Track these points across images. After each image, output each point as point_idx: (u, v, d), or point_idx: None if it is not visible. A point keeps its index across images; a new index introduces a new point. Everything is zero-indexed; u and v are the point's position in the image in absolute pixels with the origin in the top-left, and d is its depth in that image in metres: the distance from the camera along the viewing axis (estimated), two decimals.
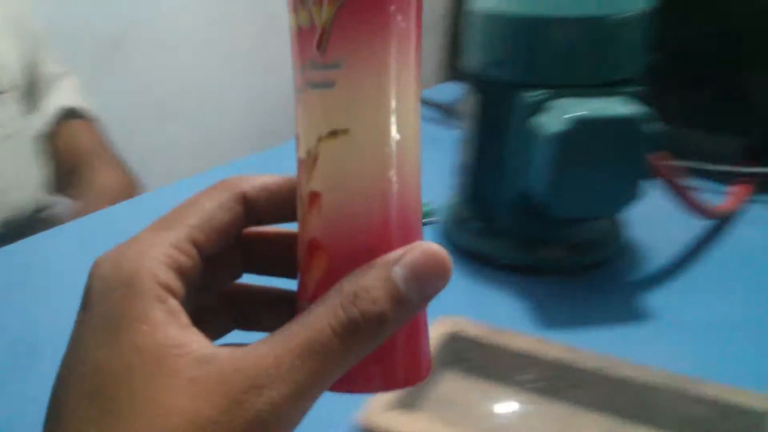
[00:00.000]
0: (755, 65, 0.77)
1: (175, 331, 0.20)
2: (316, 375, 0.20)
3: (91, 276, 0.22)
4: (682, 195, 0.61)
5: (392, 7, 0.21)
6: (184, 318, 0.21)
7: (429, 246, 0.21)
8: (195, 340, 0.20)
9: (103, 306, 0.21)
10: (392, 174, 0.22)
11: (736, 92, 0.78)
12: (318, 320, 0.20)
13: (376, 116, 0.21)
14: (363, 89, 0.21)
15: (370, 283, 0.21)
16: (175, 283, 0.22)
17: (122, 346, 0.20)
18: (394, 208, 0.22)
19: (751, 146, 0.77)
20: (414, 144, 0.22)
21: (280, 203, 0.26)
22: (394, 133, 0.21)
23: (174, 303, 0.21)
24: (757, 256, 0.64)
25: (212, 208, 0.24)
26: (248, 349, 0.20)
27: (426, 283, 0.21)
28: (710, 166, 0.74)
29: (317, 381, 0.20)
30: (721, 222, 0.67)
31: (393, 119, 0.21)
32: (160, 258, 0.22)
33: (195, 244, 0.23)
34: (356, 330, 0.20)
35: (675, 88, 0.78)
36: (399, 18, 0.21)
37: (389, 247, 0.22)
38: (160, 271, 0.21)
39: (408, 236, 0.22)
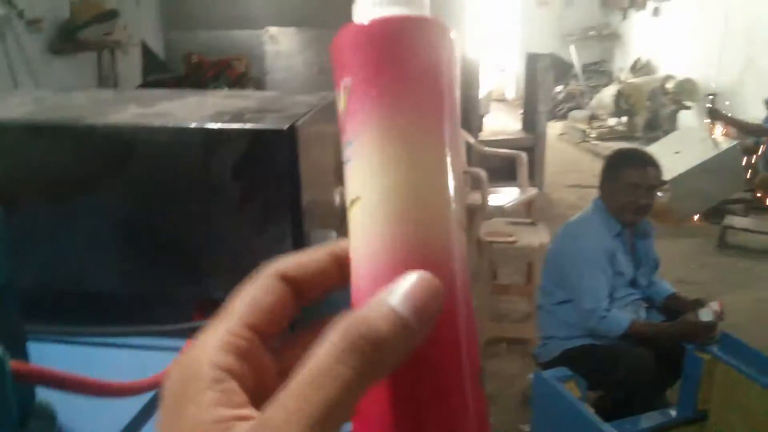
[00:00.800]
0: (174, 227, 0.78)
1: (223, 411, 0.22)
2: (327, 405, 0.21)
3: (168, 373, 0.25)
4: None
5: (388, 100, 0.25)
6: (238, 397, 0.23)
7: (420, 272, 0.24)
8: (244, 415, 0.22)
9: (169, 392, 0.24)
10: (400, 233, 0.25)
11: (170, 252, 0.79)
12: (319, 353, 0.22)
13: (381, 185, 0.25)
14: (368, 163, 0.25)
15: (368, 310, 0.23)
16: (235, 364, 0.24)
17: (181, 427, 0.22)
18: (404, 261, 0.25)
19: (199, 301, 0.80)
20: (419, 204, 0.25)
21: (318, 275, 0.28)
22: (399, 199, 0.25)
23: (231, 384, 0.23)
24: None
25: (257, 294, 0.27)
26: (267, 406, 0.22)
27: (420, 304, 0.23)
28: (167, 327, 0.75)
29: (330, 411, 0.21)
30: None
31: (395, 187, 0.25)
32: (217, 344, 0.24)
33: (250, 327, 0.26)
34: (358, 353, 0.22)
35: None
36: (395, 108, 0.25)
37: None
38: (217, 355, 0.24)
39: None
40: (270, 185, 0.76)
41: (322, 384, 0.21)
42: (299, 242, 0.76)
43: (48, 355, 0.73)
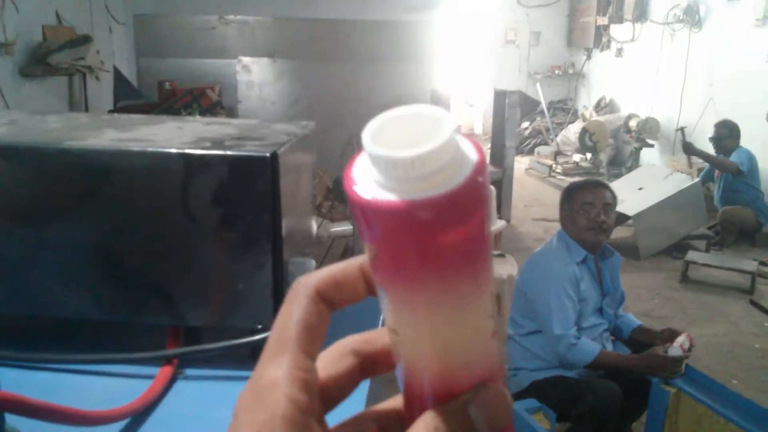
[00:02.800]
0: (149, 253, 0.79)
1: None
2: None
3: (237, 406, 0.26)
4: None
5: (410, 265, 0.25)
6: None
7: (497, 387, 0.27)
8: None
9: (244, 425, 0.25)
10: (436, 365, 0.27)
11: (145, 279, 0.80)
12: None
13: (413, 325, 0.26)
14: (401, 307, 0.26)
15: (448, 418, 0.26)
16: (304, 398, 0.25)
17: None
18: (446, 384, 0.27)
19: (172, 328, 0.81)
20: (452, 341, 0.27)
21: (350, 291, 0.29)
22: (432, 336, 0.26)
23: (300, 420, 0.25)
24: (190, 427, 0.69)
25: (311, 319, 0.27)
26: None
27: (494, 416, 0.26)
28: (135, 355, 0.76)
29: None
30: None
31: (426, 327, 0.26)
32: (290, 379, 0.25)
33: (309, 356, 0.27)
34: None
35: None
36: (417, 267, 0.25)
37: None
38: (293, 391, 0.25)
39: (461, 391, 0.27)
40: (250, 212, 0.76)
41: None
42: (278, 270, 0.76)
43: (18, 381, 0.71)
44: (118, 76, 5.09)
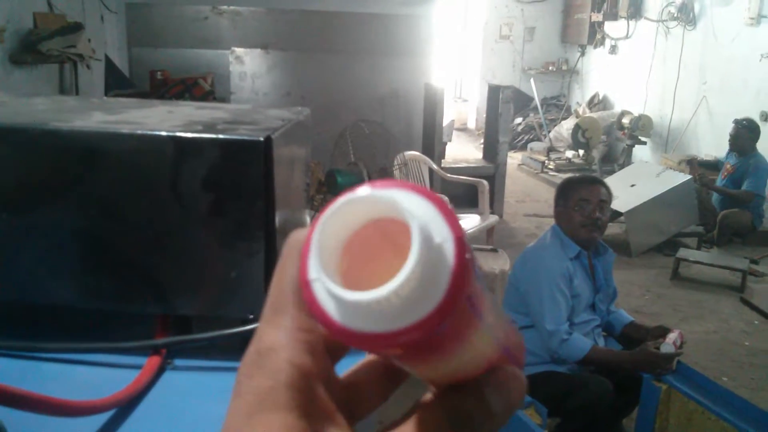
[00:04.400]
0: (138, 240, 0.77)
1: (293, 419, 0.23)
2: None
3: (239, 372, 0.24)
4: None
5: (404, 362, 0.25)
6: (322, 401, 0.24)
7: (511, 369, 0.27)
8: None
9: (248, 388, 0.23)
10: (447, 379, 0.26)
11: (133, 266, 0.78)
12: (426, 424, 0.25)
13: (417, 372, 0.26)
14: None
15: (464, 399, 0.25)
16: (307, 360, 0.24)
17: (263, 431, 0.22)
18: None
19: (160, 316, 0.78)
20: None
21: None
22: (438, 373, 0.26)
23: (303, 384, 0.23)
24: (176, 421, 0.67)
25: (300, 273, 0.25)
26: None
27: (508, 397, 0.26)
28: (122, 344, 0.74)
29: None
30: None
31: (430, 373, 0.26)
32: (292, 340, 0.24)
33: (309, 314, 0.25)
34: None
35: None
36: (411, 361, 0.24)
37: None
38: (295, 355, 0.24)
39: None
40: (243, 198, 0.73)
41: None
42: (271, 259, 0.74)
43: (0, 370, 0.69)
44: (110, 65, 5.04)
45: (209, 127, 0.75)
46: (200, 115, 0.85)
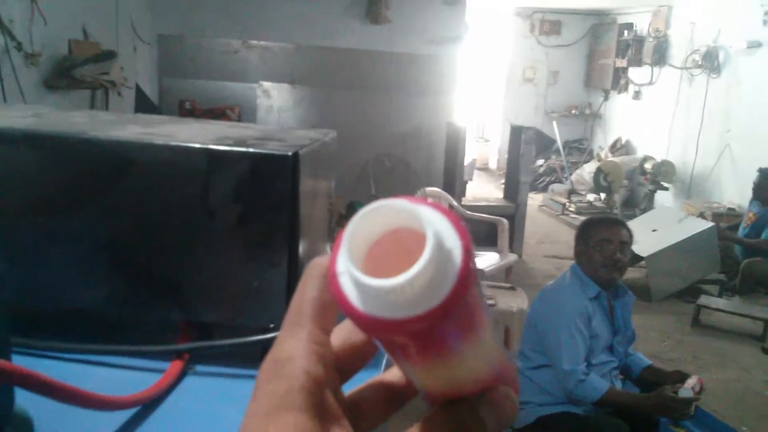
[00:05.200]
0: (165, 248, 0.79)
1: (306, 420, 0.25)
2: None
3: (258, 378, 0.27)
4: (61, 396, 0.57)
5: (410, 356, 0.27)
6: (331, 406, 0.27)
7: (505, 389, 0.30)
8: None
9: (263, 392, 0.26)
10: (446, 390, 0.29)
11: (159, 273, 0.80)
12: None
13: (417, 377, 0.29)
14: (405, 370, 0.30)
15: (459, 414, 0.28)
16: (319, 370, 0.26)
17: (278, 430, 0.25)
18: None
19: (183, 323, 0.80)
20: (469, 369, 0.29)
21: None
22: (437, 379, 0.28)
23: (315, 390, 0.26)
24: (195, 425, 0.68)
25: (323, 295, 0.28)
26: None
27: (501, 415, 0.29)
28: (146, 348, 0.76)
29: None
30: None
31: (430, 377, 0.28)
32: (306, 352, 0.27)
33: (323, 329, 0.28)
34: None
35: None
36: (416, 356, 0.27)
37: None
38: (309, 364, 0.26)
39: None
40: (269, 211, 0.76)
41: None
42: (293, 270, 0.76)
43: (28, 368, 0.71)
44: (140, 94, 5.17)
45: (240, 142, 0.78)
46: (231, 132, 0.88)
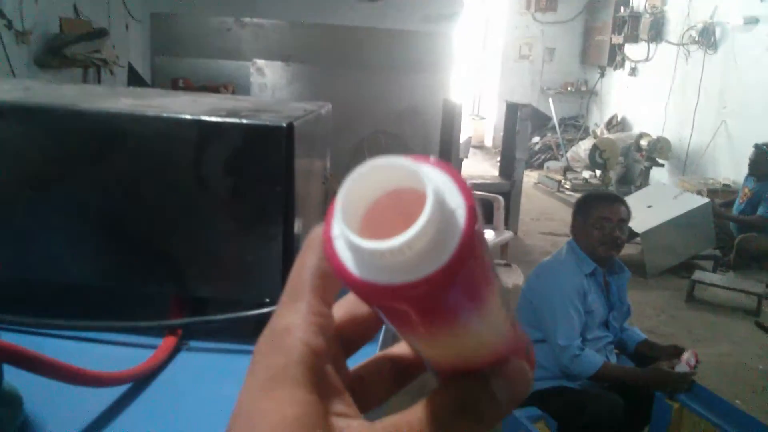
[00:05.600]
0: (158, 221, 0.78)
1: (304, 393, 0.24)
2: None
3: (254, 351, 0.26)
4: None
5: (413, 326, 0.25)
6: (335, 384, 0.25)
7: (518, 362, 0.28)
8: (340, 412, 0.25)
9: (261, 365, 0.25)
10: (455, 362, 0.27)
11: (152, 247, 0.78)
12: (433, 408, 0.25)
13: (424, 349, 0.27)
14: (411, 343, 0.28)
15: (472, 389, 0.26)
16: (319, 342, 0.25)
17: (275, 403, 0.24)
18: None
19: (176, 297, 0.79)
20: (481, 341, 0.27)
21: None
22: (446, 351, 0.27)
23: (314, 362, 0.25)
24: (188, 401, 0.67)
25: (319, 264, 0.27)
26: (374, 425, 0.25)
27: (514, 389, 0.27)
28: (139, 323, 0.75)
29: None
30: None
31: (438, 349, 0.27)
32: (305, 323, 0.25)
33: (324, 301, 0.27)
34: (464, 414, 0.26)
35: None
36: (420, 326, 0.25)
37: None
38: (308, 336, 0.25)
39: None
40: (263, 183, 0.74)
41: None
42: (289, 244, 0.75)
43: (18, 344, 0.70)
44: (132, 72, 5.12)
45: (233, 113, 0.76)
46: (224, 104, 0.86)
